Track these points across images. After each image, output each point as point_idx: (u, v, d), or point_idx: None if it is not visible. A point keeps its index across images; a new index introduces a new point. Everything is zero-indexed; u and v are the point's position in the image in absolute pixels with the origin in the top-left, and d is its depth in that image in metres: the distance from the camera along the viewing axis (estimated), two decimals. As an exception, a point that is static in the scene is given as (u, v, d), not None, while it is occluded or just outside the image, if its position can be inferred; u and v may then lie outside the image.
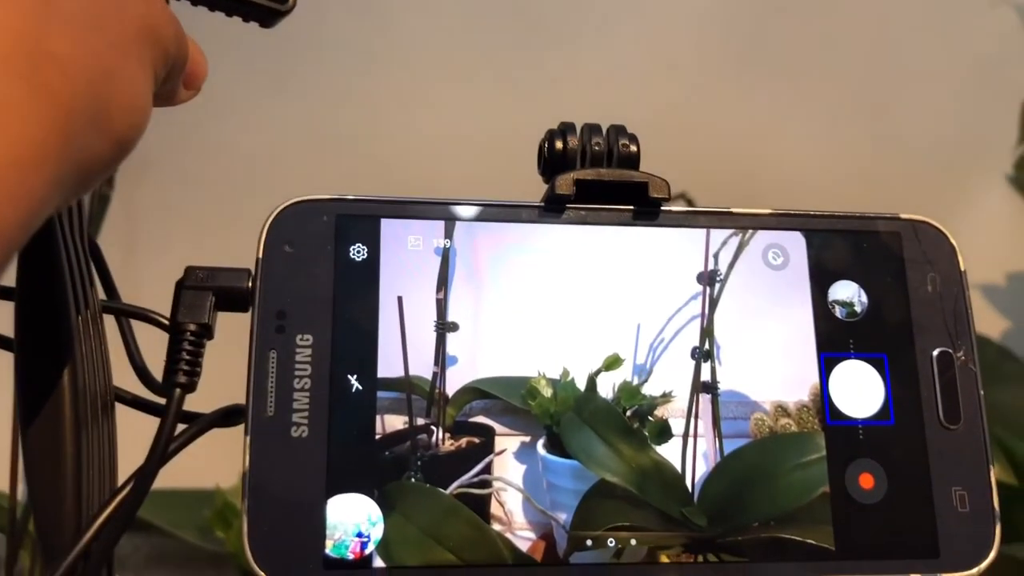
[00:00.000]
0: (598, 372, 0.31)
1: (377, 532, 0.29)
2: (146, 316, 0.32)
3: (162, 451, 0.28)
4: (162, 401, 0.30)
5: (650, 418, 0.31)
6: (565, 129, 0.34)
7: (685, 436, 0.31)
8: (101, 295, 0.34)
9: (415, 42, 1.13)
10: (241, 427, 0.30)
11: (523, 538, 0.30)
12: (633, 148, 0.33)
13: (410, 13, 1.12)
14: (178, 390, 0.29)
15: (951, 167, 1.21)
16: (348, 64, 1.11)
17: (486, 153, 1.01)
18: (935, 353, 0.33)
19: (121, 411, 0.34)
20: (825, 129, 1.19)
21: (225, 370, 0.36)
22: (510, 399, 0.31)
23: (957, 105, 1.21)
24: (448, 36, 1.13)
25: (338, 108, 1.09)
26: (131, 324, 0.36)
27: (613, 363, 0.31)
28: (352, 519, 0.29)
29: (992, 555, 0.31)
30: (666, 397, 0.32)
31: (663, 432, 0.31)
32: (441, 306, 0.31)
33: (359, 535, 0.29)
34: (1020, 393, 1.03)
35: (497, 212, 0.32)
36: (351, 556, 0.28)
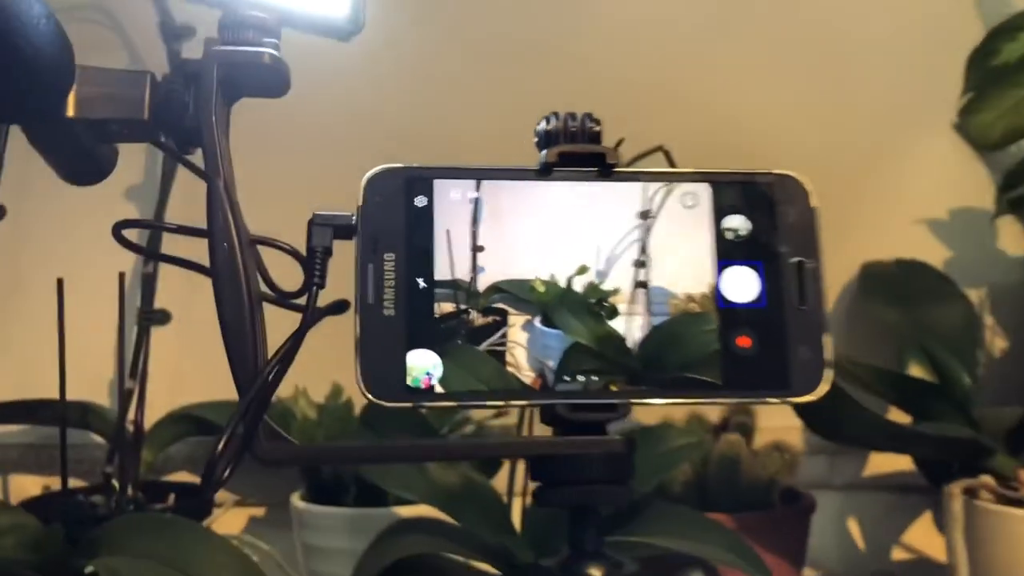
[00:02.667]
0: (573, 276, 0.49)
1: (438, 372, 0.47)
2: (285, 248, 0.50)
3: (309, 320, 0.46)
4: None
5: (606, 303, 0.49)
6: (552, 116, 0.51)
7: (628, 315, 0.49)
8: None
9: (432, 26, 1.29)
10: (348, 316, 0.48)
11: (527, 376, 0.48)
12: (597, 128, 0.51)
13: None
14: (315, 287, 0.47)
15: (904, 117, 1.37)
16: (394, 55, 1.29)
17: (497, 130, 1.20)
18: (793, 261, 0.51)
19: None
20: (790, 87, 1.35)
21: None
22: (519, 293, 0.49)
23: (909, 62, 1.36)
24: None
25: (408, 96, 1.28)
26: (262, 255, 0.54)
27: (582, 270, 0.49)
28: (422, 364, 0.47)
29: (822, 386, 0.49)
30: (616, 291, 0.50)
31: (613, 312, 0.49)
32: (474, 235, 0.49)
33: (428, 374, 0.47)
34: (951, 311, 1.20)
35: (508, 173, 0.50)
36: (423, 386, 0.47)
